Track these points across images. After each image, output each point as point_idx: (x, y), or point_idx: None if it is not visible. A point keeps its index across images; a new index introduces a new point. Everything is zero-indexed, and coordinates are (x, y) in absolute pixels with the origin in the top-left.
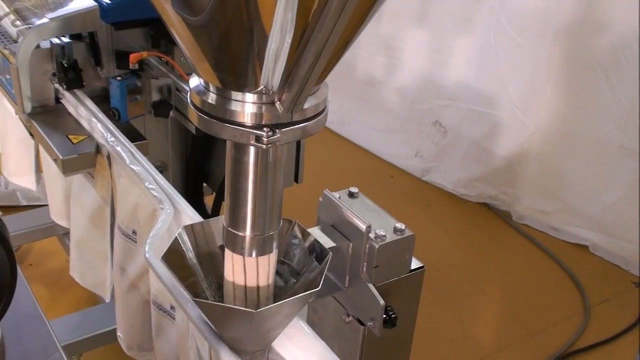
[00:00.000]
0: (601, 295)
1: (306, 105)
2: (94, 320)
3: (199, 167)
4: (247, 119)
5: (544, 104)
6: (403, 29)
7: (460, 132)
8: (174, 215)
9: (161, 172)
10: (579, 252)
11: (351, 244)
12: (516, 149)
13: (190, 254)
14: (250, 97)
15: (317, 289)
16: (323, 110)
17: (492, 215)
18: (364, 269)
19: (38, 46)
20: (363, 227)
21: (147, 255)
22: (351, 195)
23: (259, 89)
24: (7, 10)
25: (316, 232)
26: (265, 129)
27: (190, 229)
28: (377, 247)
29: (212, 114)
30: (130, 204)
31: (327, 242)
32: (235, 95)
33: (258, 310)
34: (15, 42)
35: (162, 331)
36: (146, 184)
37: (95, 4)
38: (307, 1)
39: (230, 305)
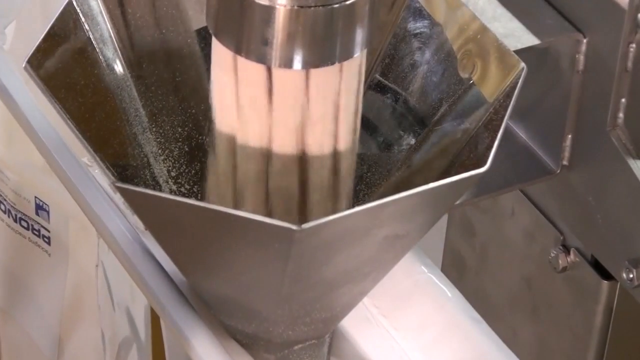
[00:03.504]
0: None
1: None
2: None
3: None
4: None
5: None
6: None
7: None
8: None
9: None
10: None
11: (585, 40)
12: None
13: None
14: None
15: (485, 167)
16: None
17: None
18: (621, 110)
19: None
20: None
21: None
22: None
23: None
24: None
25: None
26: None
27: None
28: None
29: None
30: None
31: (520, 37)
32: None
33: (305, 225)
34: None
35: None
36: None
37: None
38: None
39: (237, 212)
